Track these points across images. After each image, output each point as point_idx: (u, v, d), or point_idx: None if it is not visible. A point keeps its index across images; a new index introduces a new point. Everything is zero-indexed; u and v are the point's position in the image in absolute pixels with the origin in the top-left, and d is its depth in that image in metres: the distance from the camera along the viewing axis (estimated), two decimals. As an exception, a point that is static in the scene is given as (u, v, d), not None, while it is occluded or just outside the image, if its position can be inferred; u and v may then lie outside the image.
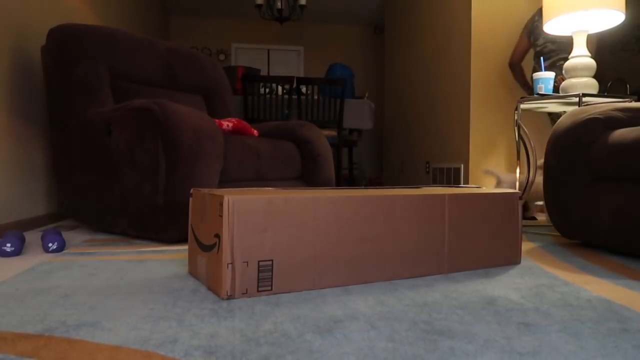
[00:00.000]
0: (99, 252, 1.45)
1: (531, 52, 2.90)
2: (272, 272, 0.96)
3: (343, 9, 6.38)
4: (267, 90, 3.67)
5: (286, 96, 3.56)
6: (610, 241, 1.45)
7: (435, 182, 3.64)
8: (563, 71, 2.11)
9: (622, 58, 3.44)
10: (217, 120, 2.11)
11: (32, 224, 2.01)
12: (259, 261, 0.95)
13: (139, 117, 1.67)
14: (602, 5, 1.92)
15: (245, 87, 3.35)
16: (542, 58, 2.39)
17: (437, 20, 3.64)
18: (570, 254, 1.49)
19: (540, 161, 2.26)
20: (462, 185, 1.74)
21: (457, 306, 0.90)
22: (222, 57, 6.66)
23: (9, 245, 1.38)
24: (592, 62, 2.03)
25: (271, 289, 0.97)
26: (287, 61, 6.88)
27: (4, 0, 1.84)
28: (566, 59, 2.60)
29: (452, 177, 3.34)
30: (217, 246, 0.95)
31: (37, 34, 2.16)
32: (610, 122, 1.54)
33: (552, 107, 2.26)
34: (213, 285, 0.98)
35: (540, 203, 2.55)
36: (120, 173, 1.73)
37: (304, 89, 4.99)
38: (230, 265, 0.93)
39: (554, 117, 2.77)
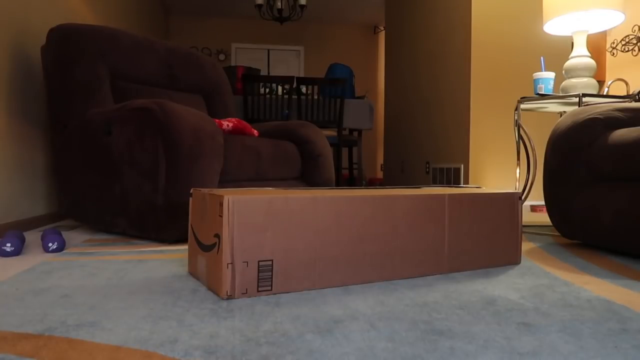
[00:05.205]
0: (99, 252, 1.45)
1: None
2: (272, 272, 0.96)
3: (343, 9, 6.38)
4: (267, 90, 3.67)
5: (286, 96, 3.56)
6: (611, 241, 1.45)
7: (435, 182, 3.64)
8: (563, 71, 2.11)
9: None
10: (217, 120, 2.11)
11: (32, 224, 2.00)
12: (259, 261, 0.95)
13: (139, 117, 1.67)
14: (602, 5, 1.92)
15: (245, 87, 3.35)
16: (542, 58, 2.39)
17: (437, 20, 3.64)
18: (570, 254, 1.49)
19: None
20: (462, 185, 1.74)
21: (457, 306, 0.90)
22: (222, 57, 6.66)
23: (9, 245, 1.38)
24: (592, 62, 2.03)
25: (271, 289, 0.96)
26: (287, 61, 6.88)
27: (4, 0, 1.84)
28: None
29: (452, 177, 3.34)
30: (217, 246, 0.95)
31: (37, 34, 2.16)
32: (610, 122, 1.54)
33: (552, 107, 2.26)
34: (213, 285, 0.98)
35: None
36: (120, 173, 1.73)
37: (304, 89, 4.99)
38: (230, 265, 0.93)
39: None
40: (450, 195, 1.18)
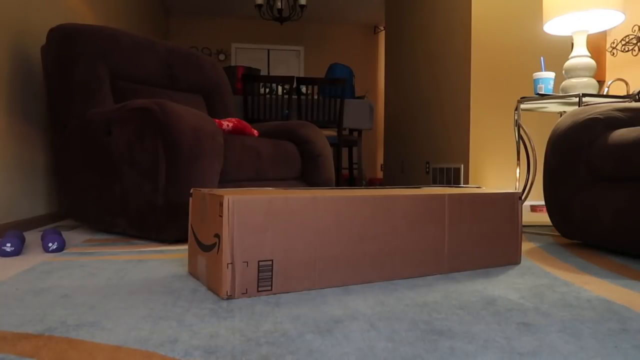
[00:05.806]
0: (99, 252, 1.45)
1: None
2: (272, 272, 0.96)
3: (343, 9, 6.38)
4: (267, 90, 3.67)
5: (286, 96, 3.56)
6: (610, 241, 1.45)
7: (435, 182, 3.64)
8: (563, 71, 2.11)
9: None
10: (217, 120, 2.11)
11: (32, 224, 2.00)
12: (259, 261, 0.95)
13: (139, 117, 1.67)
14: (602, 5, 1.92)
15: (245, 87, 3.35)
16: (542, 58, 2.39)
17: (437, 20, 3.64)
18: (570, 254, 1.49)
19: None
20: (462, 185, 1.74)
21: (457, 306, 0.90)
22: (222, 57, 6.66)
23: (9, 245, 1.38)
24: (592, 62, 2.03)
25: (271, 289, 0.97)
26: (287, 61, 6.88)
27: (4, 0, 1.84)
28: None
29: (452, 177, 3.34)
30: (217, 246, 0.95)
31: (37, 34, 2.16)
32: (610, 122, 1.54)
33: (552, 107, 2.26)
34: (213, 285, 0.98)
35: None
36: (120, 173, 1.73)
37: (304, 89, 4.99)
38: (230, 265, 0.93)
39: None
40: (450, 195, 1.18)
